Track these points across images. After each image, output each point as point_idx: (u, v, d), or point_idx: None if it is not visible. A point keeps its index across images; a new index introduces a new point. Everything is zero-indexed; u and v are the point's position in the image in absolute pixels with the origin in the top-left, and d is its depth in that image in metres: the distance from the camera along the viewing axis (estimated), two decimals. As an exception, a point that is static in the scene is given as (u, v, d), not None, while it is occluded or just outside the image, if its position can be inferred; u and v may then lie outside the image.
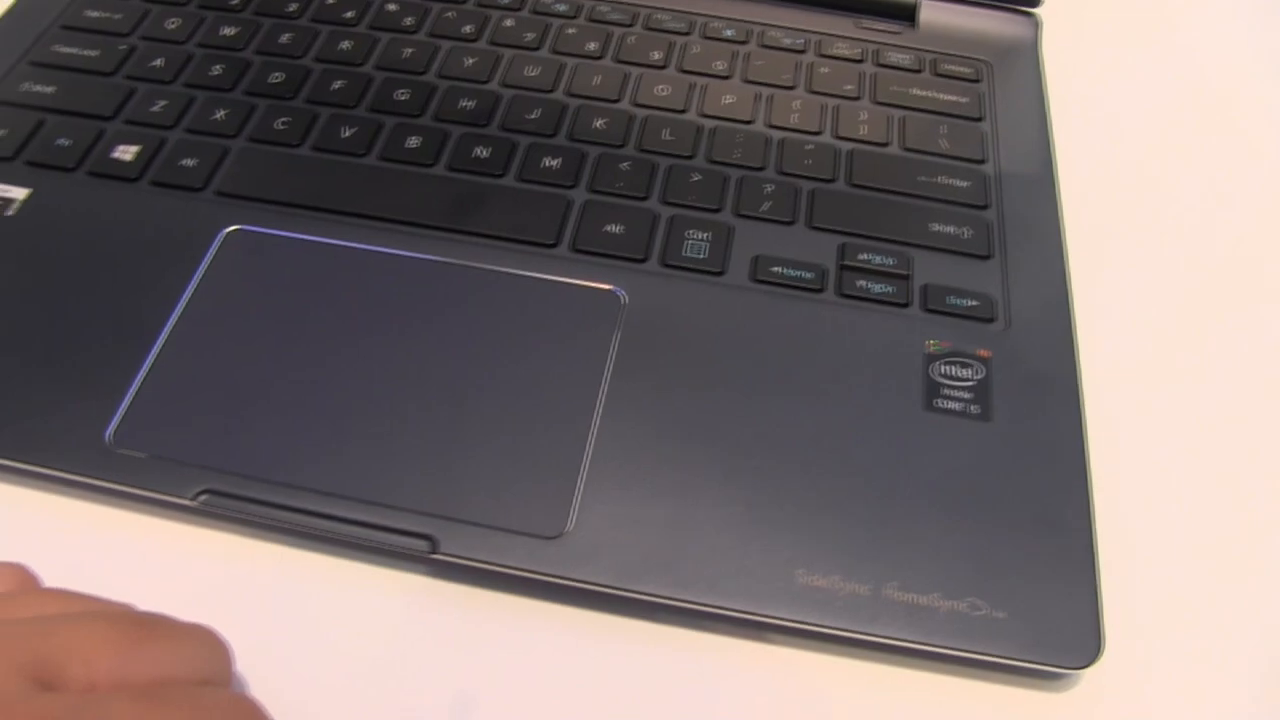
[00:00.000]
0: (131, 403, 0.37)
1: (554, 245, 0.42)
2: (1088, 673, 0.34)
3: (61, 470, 0.36)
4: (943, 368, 0.39)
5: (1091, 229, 0.46)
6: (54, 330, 0.39)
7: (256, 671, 0.33)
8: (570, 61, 0.50)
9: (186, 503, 0.35)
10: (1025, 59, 0.52)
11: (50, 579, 0.34)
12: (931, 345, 0.40)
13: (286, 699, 0.33)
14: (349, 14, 0.51)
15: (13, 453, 0.36)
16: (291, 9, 0.52)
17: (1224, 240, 0.47)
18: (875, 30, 0.53)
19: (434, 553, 0.34)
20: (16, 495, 0.37)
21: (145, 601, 0.34)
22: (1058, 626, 0.33)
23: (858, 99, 0.49)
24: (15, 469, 0.36)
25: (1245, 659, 0.35)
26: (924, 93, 0.50)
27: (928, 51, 0.52)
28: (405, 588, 0.35)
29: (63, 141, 0.45)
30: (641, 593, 0.34)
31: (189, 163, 0.45)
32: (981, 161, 0.47)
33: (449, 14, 0.52)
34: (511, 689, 0.33)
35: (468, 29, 0.51)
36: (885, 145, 0.47)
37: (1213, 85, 0.54)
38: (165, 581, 0.35)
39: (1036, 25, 0.54)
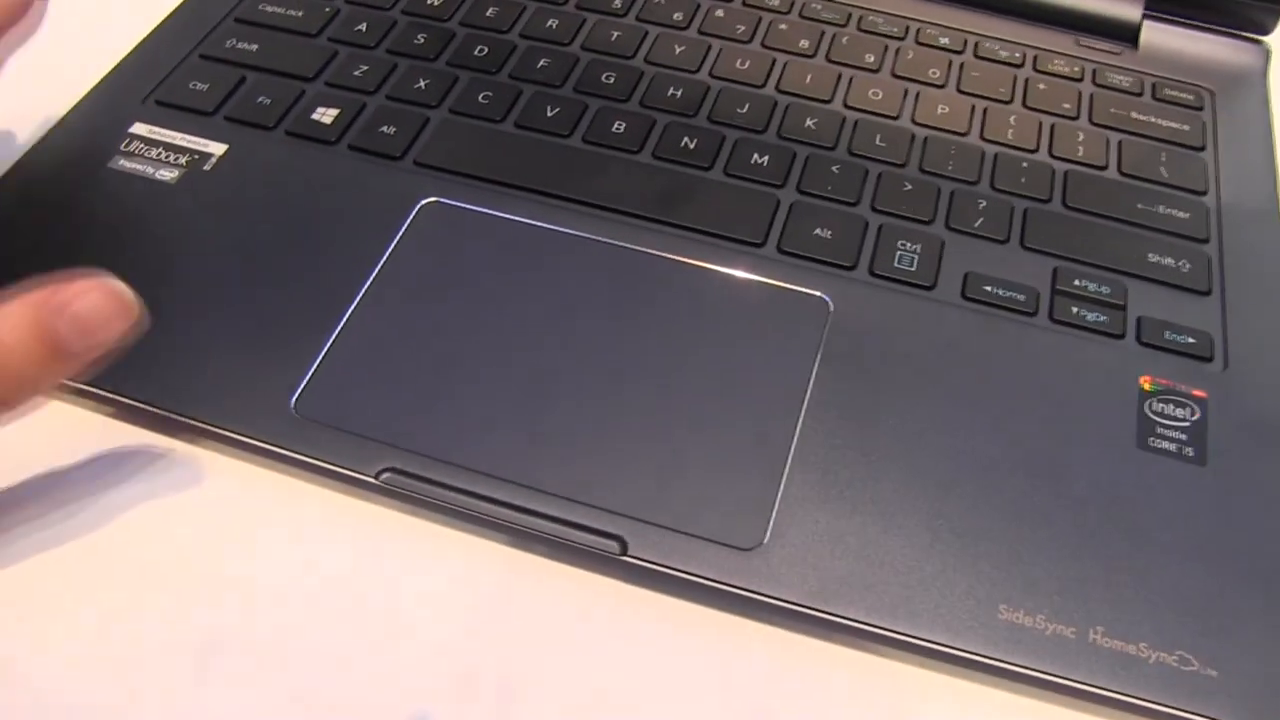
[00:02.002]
0: (318, 371, 0.36)
1: (760, 245, 0.41)
2: None
3: (245, 435, 0.35)
4: (1157, 405, 0.37)
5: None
6: (245, 292, 0.39)
7: (430, 654, 0.32)
8: (781, 57, 0.49)
9: (369, 479, 0.34)
10: (1252, 88, 0.50)
11: (224, 543, 0.34)
12: (1147, 381, 0.38)
13: (457, 690, 0.32)
14: (556, -9, 0.51)
15: (198, 413, 0.36)
16: (500, -17, 0.51)
17: None
18: (1095, 49, 0.51)
19: (624, 554, 0.33)
20: (198, 455, 0.36)
21: (318, 571, 0.33)
22: (1272, 687, 0.31)
23: (1075, 118, 0.47)
24: (199, 428, 0.36)
25: None
26: (1144, 117, 0.48)
27: (1149, 74, 0.50)
28: (589, 588, 0.34)
29: (263, 100, 0.45)
30: (837, 615, 0.32)
31: (388, 130, 0.44)
32: (1203, 193, 0.45)
33: (657, 4, 0.51)
34: (691, 703, 0.32)
35: (677, 16, 0.50)
36: (1103, 169, 0.45)
37: None
38: (341, 556, 0.34)
39: (1266, 54, 0.51)
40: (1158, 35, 0.51)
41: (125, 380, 0.36)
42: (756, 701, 0.32)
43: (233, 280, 0.39)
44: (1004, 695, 0.33)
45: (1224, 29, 0.52)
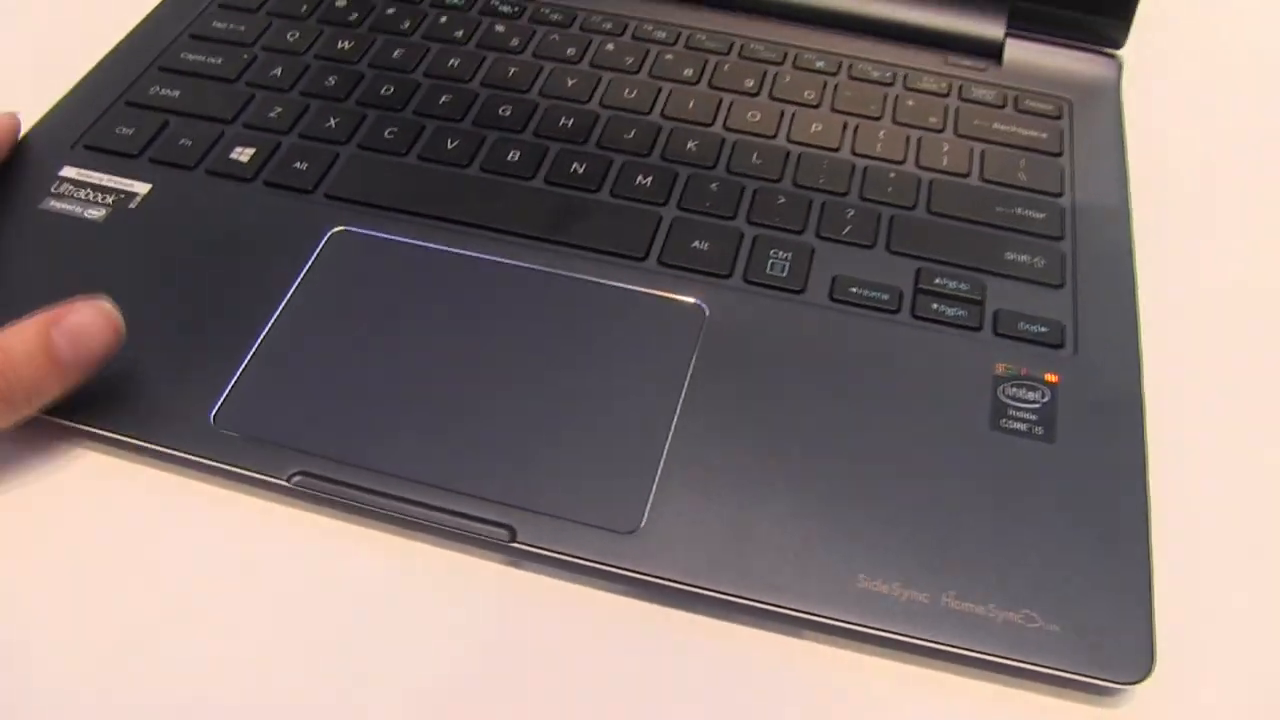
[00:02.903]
0: (234, 386, 0.40)
1: (643, 258, 0.45)
2: (1138, 688, 0.35)
3: (166, 446, 0.38)
4: (1010, 390, 0.40)
5: (1164, 264, 0.47)
6: (167, 316, 0.42)
7: (329, 645, 0.35)
8: (667, 85, 0.52)
9: (281, 482, 0.37)
10: (1106, 98, 0.54)
11: (147, 548, 0.37)
12: (1000, 368, 0.41)
13: (362, 671, 0.35)
14: (458, 33, 0.54)
15: (122, 428, 0.39)
16: (404, 26, 0.54)
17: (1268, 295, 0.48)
18: (962, 66, 0.55)
19: (513, 541, 0.36)
20: (123, 468, 0.40)
21: (237, 571, 0.37)
22: (1110, 641, 0.35)
23: (941, 131, 0.51)
24: (124, 443, 0.39)
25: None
26: (1006, 127, 0.51)
27: (1011, 88, 0.53)
28: (481, 573, 0.37)
29: (185, 142, 0.48)
30: (710, 589, 0.35)
31: (301, 165, 0.47)
32: (1058, 195, 0.48)
33: (553, 37, 0.54)
34: (577, 675, 0.35)
35: (570, 51, 0.54)
36: (965, 176, 0.49)
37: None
38: (256, 557, 0.37)
39: (1119, 66, 0.55)
40: (1020, 51, 0.55)
41: (74, 409, 0.39)
42: (634, 672, 0.35)
43: (156, 308, 0.42)
44: (866, 659, 0.36)
45: (1081, 44, 0.55)
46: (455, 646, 0.36)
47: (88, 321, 0.38)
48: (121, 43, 0.54)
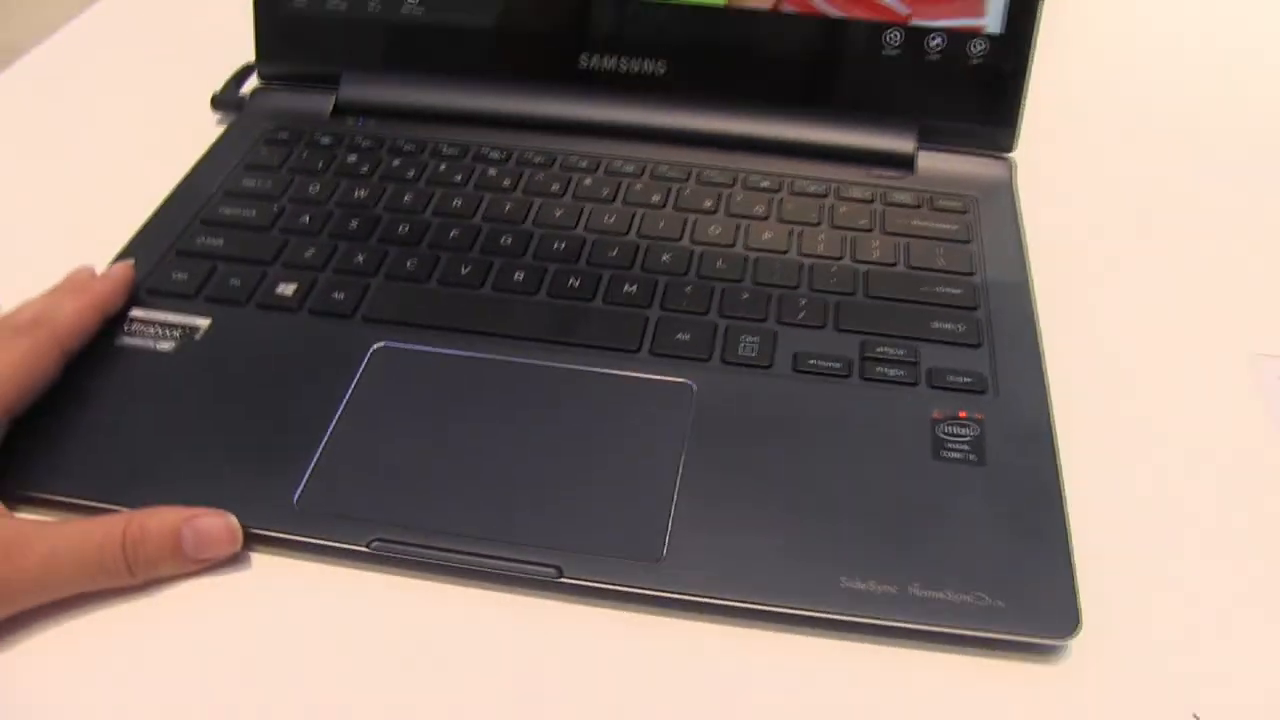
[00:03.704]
0: (310, 476, 0.47)
1: (636, 351, 0.53)
2: (1073, 644, 0.43)
3: (262, 528, 0.46)
4: (947, 428, 0.50)
5: (1060, 319, 0.57)
6: (243, 424, 0.50)
7: (413, 675, 0.43)
8: (639, 210, 0.62)
9: (362, 549, 0.45)
10: (1003, 192, 0.64)
11: (257, 618, 0.45)
12: (937, 413, 0.51)
13: (439, 700, 0.43)
14: (457, 178, 0.64)
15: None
16: (410, 175, 0.64)
17: (1155, 320, 0.58)
18: (883, 177, 0.65)
19: (560, 577, 0.44)
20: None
21: (324, 624, 0.44)
22: (1044, 609, 0.43)
23: (870, 230, 0.61)
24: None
25: (1197, 630, 0.45)
26: (923, 223, 0.61)
27: (925, 191, 0.64)
28: (535, 610, 0.45)
29: (234, 282, 0.57)
30: (726, 600, 0.44)
31: (339, 295, 0.56)
32: (971, 274, 0.58)
33: (538, 176, 0.64)
34: (627, 680, 0.43)
35: (555, 187, 0.63)
36: (894, 265, 0.59)
37: (1144, 206, 0.67)
38: (343, 613, 0.45)
39: (1011, 166, 0.66)
40: (930, 161, 0.66)
41: (169, 496, 0.47)
42: (669, 671, 0.43)
43: (233, 418, 0.50)
44: (851, 645, 0.44)
45: (979, 151, 0.66)
46: (522, 667, 0.43)
47: (215, 529, 0.45)
48: (165, 202, 0.62)
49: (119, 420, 0.50)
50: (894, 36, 0.65)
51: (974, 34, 0.65)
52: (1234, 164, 0.73)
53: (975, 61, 0.65)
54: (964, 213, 0.62)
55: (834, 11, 0.65)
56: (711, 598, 0.44)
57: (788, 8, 0.65)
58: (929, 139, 0.66)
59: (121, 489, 0.47)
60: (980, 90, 0.66)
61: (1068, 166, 0.70)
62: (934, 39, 0.65)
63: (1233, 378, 0.56)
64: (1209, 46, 0.87)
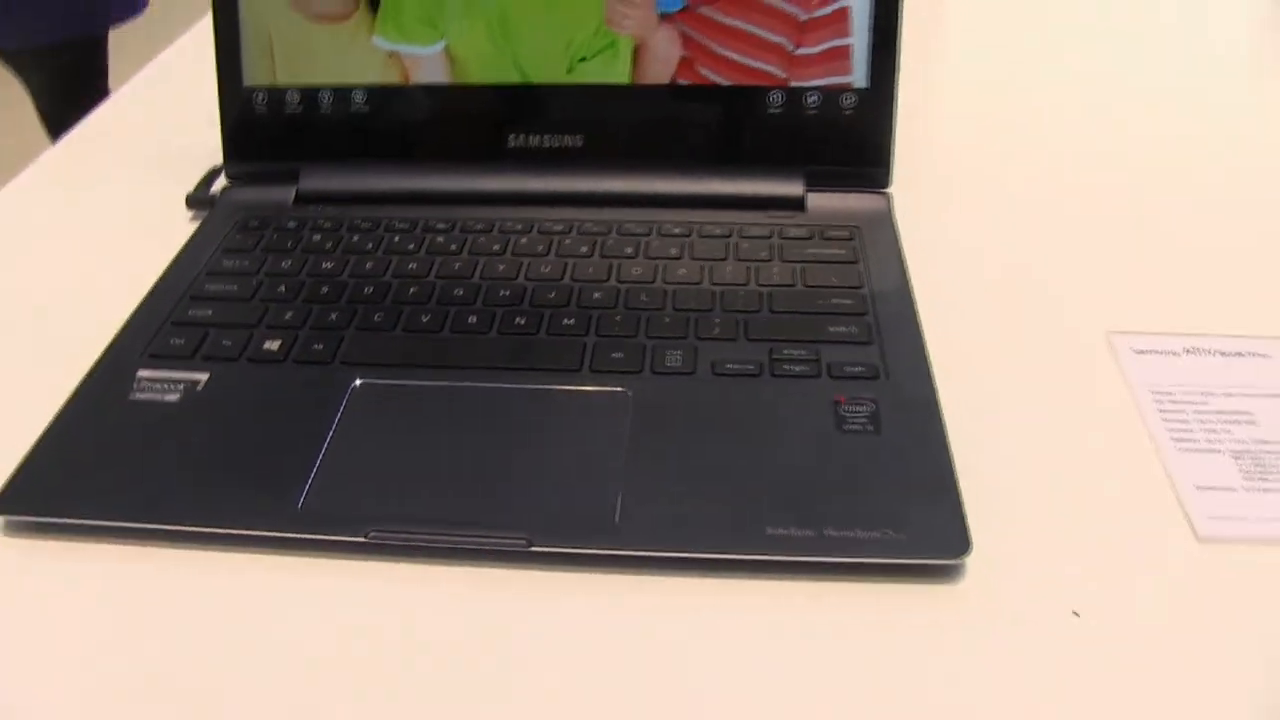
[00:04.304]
0: (310, 486, 0.55)
1: (578, 370, 0.62)
2: (967, 563, 0.52)
3: (277, 531, 0.54)
4: (846, 408, 0.59)
5: (939, 314, 0.66)
6: (247, 451, 0.58)
7: (407, 636, 0.51)
8: (571, 260, 0.71)
9: (361, 540, 0.53)
10: (883, 220, 0.74)
11: (278, 607, 0.53)
12: (838, 396, 0.60)
13: (436, 659, 0.51)
14: (410, 246, 0.73)
15: (238, 524, 0.55)
16: (369, 247, 0.73)
17: (1021, 308, 0.69)
18: (778, 216, 0.75)
19: (531, 546, 0.53)
20: (232, 558, 0.54)
21: (334, 606, 0.53)
22: (940, 537, 0.52)
23: (770, 260, 0.70)
24: (237, 536, 0.55)
25: (1068, 545, 0.54)
26: (815, 250, 0.71)
27: (815, 225, 0.73)
28: (512, 578, 0.53)
29: (226, 343, 0.65)
30: (674, 553, 0.52)
31: (318, 346, 0.64)
32: (859, 287, 0.68)
33: (481, 239, 0.73)
34: (592, 634, 0.51)
35: (496, 247, 0.73)
36: (793, 285, 0.68)
37: (1003, 217, 0.77)
38: (349, 597, 0.53)
39: (889, 198, 0.76)
40: (818, 200, 0.76)
41: (191, 514, 0.55)
42: (632, 616, 0.51)
43: (237, 448, 0.58)
44: (780, 583, 0.52)
45: (859, 189, 0.76)
46: (503, 625, 0.51)
47: None
48: (156, 285, 0.70)
49: (138, 458, 0.58)
50: (777, 97, 0.76)
51: (844, 89, 0.75)
52: (1076, 173, 0.85)
53: (848, 113, 0.76)
54: (850, 240, 0.72)
55: (723, 80, 0.76)
56: (659, 552, 0.52)
57: (683, 80, 0.76)
58: (816, 182, 0.76)
59: (146, 510, 0.55)
60: (854, 137, 0.76)
61: (938, 192, 0.81)
62: (811, 96, 0.76)
63: (1090, 352, 0.66)
64: (1052, 84, 1.00)
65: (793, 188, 0.76)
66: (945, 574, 0.52)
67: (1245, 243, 0.77)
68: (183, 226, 0.78)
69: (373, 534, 0.53)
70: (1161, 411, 0.62)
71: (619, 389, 0.61)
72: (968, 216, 0.79)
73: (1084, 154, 0.89)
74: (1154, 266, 0.74)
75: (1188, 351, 0.67)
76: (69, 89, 1.76)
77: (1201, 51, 1.09)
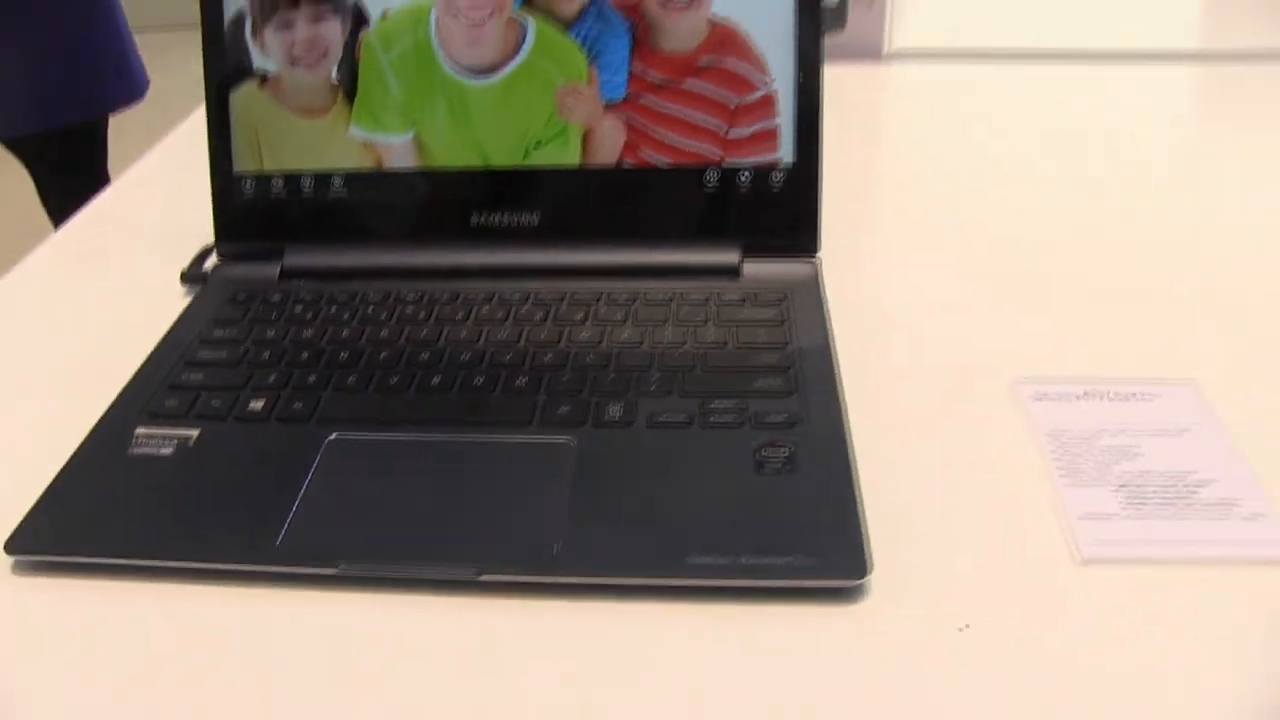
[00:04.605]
0: (287, 527, 0.62)
1: (530, 424, 0.69)
2: (871, 583, 0.58)
3: (258, 565, 0.61)
4: (764, 451, 0.66)
5: (854, 370, 0.74)
6: (232, 500, 0.65)
7: (374, 657, 0.57)
8: (526, 326, 0.78)
9: (332, 573, 0.60)
10: (811, 285, 0.81)
11: (260, 634, 0.60)
12: (760, 440, 0.67)
13: (397, 679, 0.58)
14: (383, 316, 0.80)
15: (224, 560, 0.62)
16: (345, 317, 0.80)
17: (933, 361, 0.76)
18: (717, 283, 0.82)
19: (480, 576, 0.59)
20: (219, 591, 0.61)
21: (310, 632, 0.60)
22: (843, 561, 0.58)
23: (706, 322, 0.77)
24: (224, 571, 0.61)
25: (962, 568, 0.60)
26: (747, 313, 0.78)
27: (749, 290, 0.80)
28: (455, 605, 0.60)
29: (215, 403, 0.72)
30: (604, 579, 0.59)
31: (298, 405, 0.72)
32: (786, 344, 0.74)
33: (446, 309, 0.80)
34: (534, 654, 0.57)
35: (459, 315, 0.80)
36: (725, 345, 0.75)
37: (920, 281, 0.86)
38: (324, 623, 0.59)
39: (817, 265, 0.84)
40: (753, 268, 0.83)
41: (183, 551, 0.62)
42: (570, 637, 0.58)
43: (224, 495, 0.65)
44: (701, 605, 0.58)
45: (791, 257, 0.84)
46: (456, 647, 0.58)
47: None
48: (152, 353, 0.78)
49: (135, 504, 0.65)
50: (712, 176, 0.84)
51: (773, 167, 0.83)
52: (991, 239, 0.93)
53: (777, 188, 0.83)
54: (780, 303, 0.79)
55: (664, 162, 0.84)
56: (592, 579, 0.59)
57: (628, 162, 0.84)
58: (751, 251, 0.83)
59: (141, 549, 0.62)
60: (784, 210, 0.84)
61: (864, 256, 0.89)
62: (743, 174, 0.84)
63: (997, 398, 0.73)
64: (969, 160, 1.09)
65: (729, 257, 0.84)
66: (848, 595, 0.58)
67: (1142, 294, 0.84)
68: (178, 301, 0.86)
69: (343, 566, 0.60)
70: (1054, 450, 0.69)
71: (564, 439, 0.68)
72: (893, 278, 0.87)
73: (997, 220, 0.97)
74: (1061, 320, 0.82)
75: (1085, 395, 0.74)
76: (70, 173, 1.84)
77: (1098, 128, 1.18)
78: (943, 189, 1.04)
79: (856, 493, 0.63)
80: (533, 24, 0.84)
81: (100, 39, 1.86)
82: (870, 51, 1.26)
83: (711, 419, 0.69)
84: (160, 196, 1.08)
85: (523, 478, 0.66)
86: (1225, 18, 1.44)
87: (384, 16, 0.85)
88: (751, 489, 0.63)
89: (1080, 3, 1.50)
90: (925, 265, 0.89)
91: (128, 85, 1.94)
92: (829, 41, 1.10)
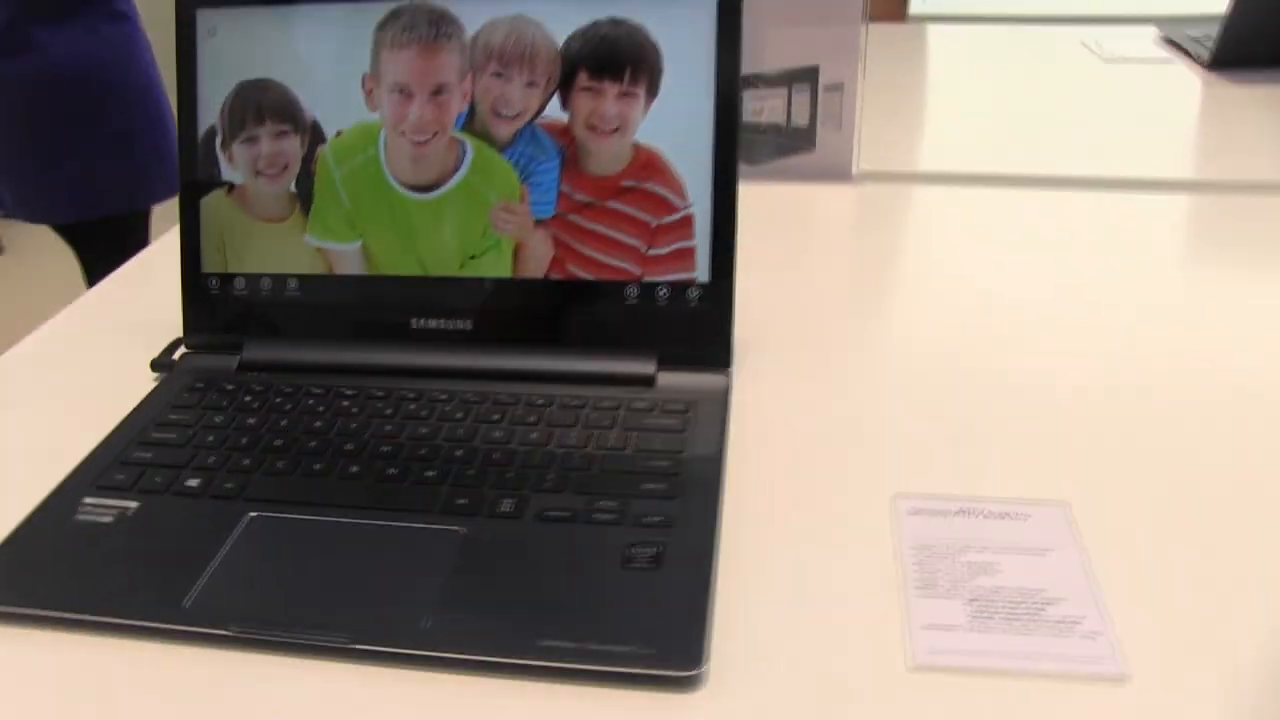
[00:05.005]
0: (198, 589, 0.69)
1: (430, 512, 0.76)
2: (705, 674, 0.63)
3: (164, 624, 0.68)
4: (633, 549, 0.72)
5: (745, 477, 0.79)
6: (157, 564, 0.72)
7: (258, 714, 0.64)
8: (446, 424, 0.85)
9: (227, 634, 0.67)
10: (718, 396, 0.86)
11: (135, 686, 0.67)
12: (632, 538, 0.73)
13: None
14: (320, 409, 0.87)
15: (126, 615, 0.68)
16: (287, 408, 0.88)
17: (818, 474, 0.82)
18: (632, 391, 0.88)
19: (353, 644, 0.66)
20: (124, 645, 0.68)
21: (201, 686, 0.67)
22: (682, 651, 0.63)
23: (611, 427, 0.83)
24: (125, 626, 0.68)
25: (799, 665, 0.65)
26: (653, 420, 0.84)
27: (660, 399, 0.86)
28: (338, 669, 0.66)
29: (157, 479, 0.80)
30: (462, 655, 0.65)
31: (229, 485, 0.79)
32: (680, 451, 0.80)
33: (378, 404, 0.87)
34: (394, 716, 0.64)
35: (388, 411, 0.87)
36: (624, 449, 0.81)
37: (812, 398, 0.91)
38: (213, 679, 0.66)
39: (729, 376, 0.89)
40: (667, 378, 0.88)
41: (105, 607, 0.70)
42: (428, 709, 0.64)
43: (151, 560, 0.72)
44: (546, 686, 0.64)
45: (703, 369, 0.90)
46: (327, 714, 0.64)
47: None
48: (113, 431, 0.86)
49: (71, 564, 0.72)
50: (632, 291, 0.91)
51: (689, 284, 0.90)
52: (894, 358, 0.98)
53: (693, 304, 0.90)
54: (685, 412, 0.85)
55: (588, 275, 0.91)
56: (449, 654, 0.65)
57: (555, 275, 0.91)
58: (666, 362, 0.88)
59: (70, 603, 0.69)
60: (698, 324, 0.90)
61: (772, 371, 0.93)
62: (661, 290, 0.90)
63: (874, 510, 0.78)
64: (877, 284, 1.14)
65: (645, 367, 0.89)
66: (684, 684, 0.63)
67: (1028, 419, 0.89)
68: (147, 385, 0.94)
69: (234, 629, 0.67)
70: (917, 563, 0.74)
71: (456, 528, 0.74)
72: (810, 392, 0.92)
73: (899, 342, 1.00)
74: (949, 441, 0.87)
75: (960, 512, 0.79)
76: (114, 257, 1.96)
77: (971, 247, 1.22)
78: (878, 307, 1.08)
79: (710, 591, 0.68)
80: (471, 145, 0.93)
81: (147, 139, 1.98)
82: (839, 172, 1.31)
83: (594, 516, 0.75)
84: (149, 291, 1.17)
85: (411, 559, 0.72)
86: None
87: (338, 134, 0.94)
88: (614, 582, 0.69)
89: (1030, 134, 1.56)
90: (842, 381, 0.94)
91: (170, 179, 2.06)
92: (798, 161, 1.18)
